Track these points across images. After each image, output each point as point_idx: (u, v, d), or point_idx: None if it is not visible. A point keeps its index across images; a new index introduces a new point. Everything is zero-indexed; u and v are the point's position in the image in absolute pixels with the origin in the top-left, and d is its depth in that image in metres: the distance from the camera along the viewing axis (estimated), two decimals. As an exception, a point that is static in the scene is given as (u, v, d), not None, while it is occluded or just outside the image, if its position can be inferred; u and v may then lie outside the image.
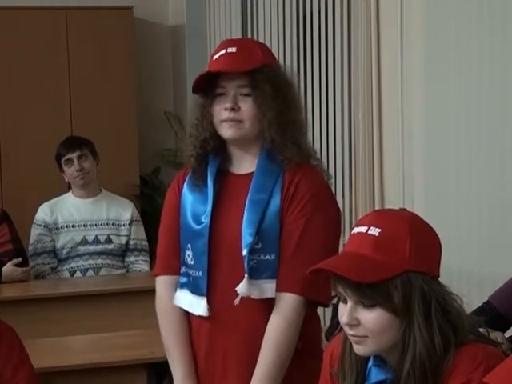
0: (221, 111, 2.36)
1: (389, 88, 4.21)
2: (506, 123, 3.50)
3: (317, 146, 4.83)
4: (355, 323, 1.74)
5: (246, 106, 2.35)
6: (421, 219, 1.82)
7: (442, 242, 1.83)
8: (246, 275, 2.30)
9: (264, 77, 2.33)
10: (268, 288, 2.33)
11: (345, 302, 1.76)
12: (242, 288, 2.31)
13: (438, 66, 3.87)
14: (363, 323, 1.73)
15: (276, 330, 2.32)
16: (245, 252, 2.31)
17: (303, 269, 2.26)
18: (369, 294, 1.71)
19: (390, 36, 4.17)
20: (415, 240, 1.74)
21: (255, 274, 2.32)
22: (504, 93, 3.49)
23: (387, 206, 4.20)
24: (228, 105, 2.34)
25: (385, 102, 4.26)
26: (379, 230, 1.74)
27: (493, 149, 3.58)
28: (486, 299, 2.84)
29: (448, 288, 1.79)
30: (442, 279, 1.80)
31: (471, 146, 3.69)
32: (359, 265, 1.71)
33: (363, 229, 1.76)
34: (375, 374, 1.81)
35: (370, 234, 1.74)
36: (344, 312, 1.75)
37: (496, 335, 2.48)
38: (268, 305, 2.35)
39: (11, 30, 6.01)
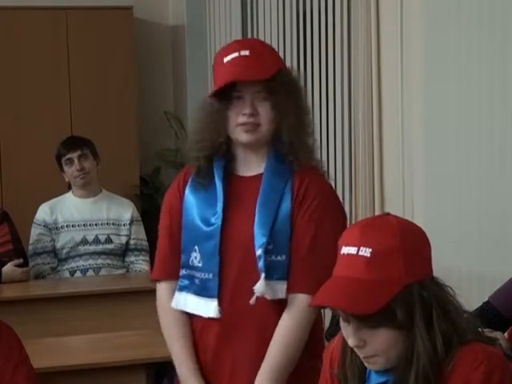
0: (238, 115, 2.36)
1: (389, 88, 4.21)
2: (505, 121, 3.50)
3: (317, 146, 4.82)
4: (362, 344, 1.73)
5: (264, 111, 2.36)
6: (406, 223, 1.79)
7: (442, 242, 1.83)
8: (262, 274, 2.30)
9: (279, 82, 2.35)
10: (279, 289, 2.34)
11: (346, 320, 1.75)
12: (259, 287, 2.31)
13: (437, 66, 3.87)
14: (370, 343, 1.72)
15: (286, 331, 2.33)
16: (259, 252, 2.31)
17: (316, 270, 2.28)
18: (372, 318, 1.69)
19: (390, 36, 4.17)
20: (407, 251, 1.72)
21: (267, 274, 2.32)
22: (504, 92, 3.49)
23: (387, 206, 4.20)
24: (247, 110, 2.35)
25: (385, 102, 4.26)
26: (370, 250, 1.71)
27: (493, 148, 3.59)
28: (486, 299, 2.84)
29: (440, 280, 1.77)
30: (442, 279, 1.79)
31: (471, 146, 3.69)
32: (358, 295, 1.69)
33: (353, 250, 1.73)
34: (375, 377, 1.81)
35: (361, 256, 1.71)
36: (349, 335, 1.74)
37: (496, 335, 2.48)
38: (279, 305, 2.35)
39: (11, 30, 6.00)
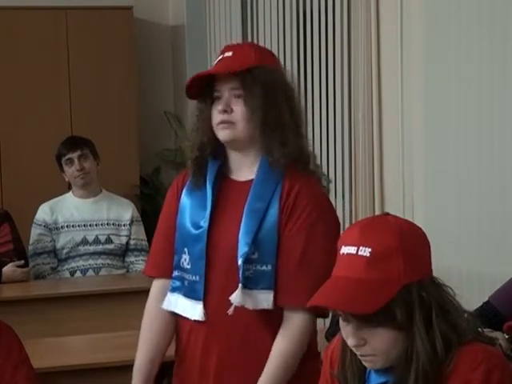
0: (216, 114, 2.37)
1: (389, 88, 4.22)
2: (505, 121, 3.51)
3: (317, 146, 4.84)
4: (362, 343, 1.73)
5: (238, 108, 2.35)
6: (405, 223, 1.79)
7: (442, 242, 1.82)
8: (240, 285, 2.29)
9: (254, 78, 2.33)
10: (263, 299, 2.31)
11: (345, 320, 1.75)
12: (235, 298, 2.29)
13: (437, 66, 3.87)
14: (370, 343, 1.72)
15: (284, 353, 2.30)
16: (240, 261, 2.30)
17: (308, 282, 2.26)
18: (371, 318, 1.69)
19: (390, 36, 4.17)
20: (406, 251, 1.72)
21: (251, 284, 2.31)
22: (504, 92, 3.50)
23: (387, 206, 4.20)
24: (220, 107, 2.35)
25: (385, 102, 4.26)
26: (369, 250, 1.71)
27: (493, 147, 3.59)
28: (486, 299, 2.84)
29: (440, 280, 1.78)
30: (441, 280, 1.79)
31: (471, 146, 3.69)
32: (358, 295, 1.69)
33: (353, 249, 1.73)
34: (375, 378, 1.81)
35: (360, 256, 1.71)
36: (349, 334, 1.74)
37: (496, 335, 2.48)
38: (263, 315, 2.33)
39: (11, 30, 6.00)
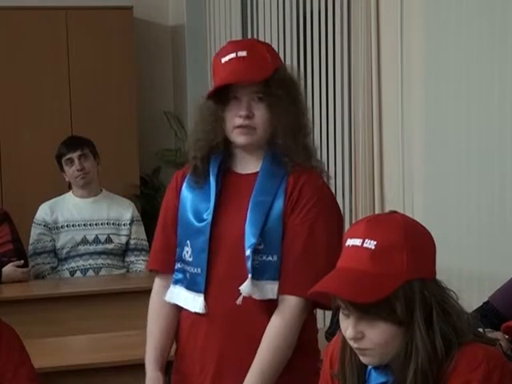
0: (234, 118, 2.35)
1: (389, 88, 4.21)
2: (505, 122, 3.50)
3: (317, 146, 4.82)
4: (360, 336, 1.73)
5: (260, 113, 2.34)
6: (413, 222, 1.80)
7: (442, 242, 1.82)
8: (249, 275, 2.30)
9: (276, 82, 2.33)
10: (269, 289, 2.33)
11: (345, 313, 1.75)
12: (245, 288, 2.31)
13: (437, 66, 3.87)
14: (368, 337, 1.72)
15: (276, 332, 2.32)
16: (248, 252, 2.31)
17: (307, 272, 2.28)
18: (372, 309, 1.70)
19: (390, 36, 4.17)
20: (411, 248, 1.72)
21: (257, 274, 2.32)
22: (504, 92, 3.49)
23: (387, 206, 4.20)
24: (243, 112, 2.33)
25: (385, 102, 4.26)
26: (375, 243, 1.72)
27: (492, 147, 3.59)
28: (486, 299, 2.85)
29: (443, 283, 1.78)
30: (441, 279, 1.79)
31: (471, 145, 3.69)
32: (360, 284, 1.69)
33: (358, 241, 1.74)
34: (375, 377, 1.81)
35: (365, 248, 1.72)
36: (348, 326, 1.74)
37: (496, 335, 2.48)
38: (268, 306, 2.34)
39: (11, 30, 6.01)
